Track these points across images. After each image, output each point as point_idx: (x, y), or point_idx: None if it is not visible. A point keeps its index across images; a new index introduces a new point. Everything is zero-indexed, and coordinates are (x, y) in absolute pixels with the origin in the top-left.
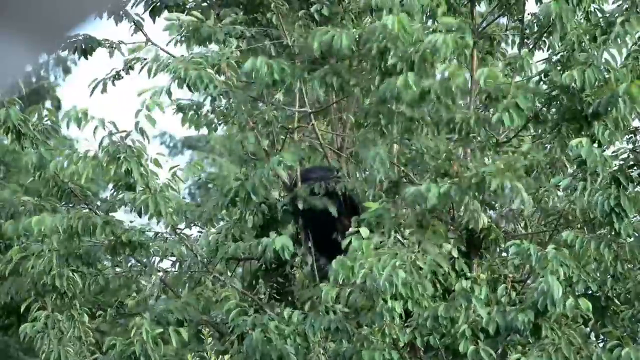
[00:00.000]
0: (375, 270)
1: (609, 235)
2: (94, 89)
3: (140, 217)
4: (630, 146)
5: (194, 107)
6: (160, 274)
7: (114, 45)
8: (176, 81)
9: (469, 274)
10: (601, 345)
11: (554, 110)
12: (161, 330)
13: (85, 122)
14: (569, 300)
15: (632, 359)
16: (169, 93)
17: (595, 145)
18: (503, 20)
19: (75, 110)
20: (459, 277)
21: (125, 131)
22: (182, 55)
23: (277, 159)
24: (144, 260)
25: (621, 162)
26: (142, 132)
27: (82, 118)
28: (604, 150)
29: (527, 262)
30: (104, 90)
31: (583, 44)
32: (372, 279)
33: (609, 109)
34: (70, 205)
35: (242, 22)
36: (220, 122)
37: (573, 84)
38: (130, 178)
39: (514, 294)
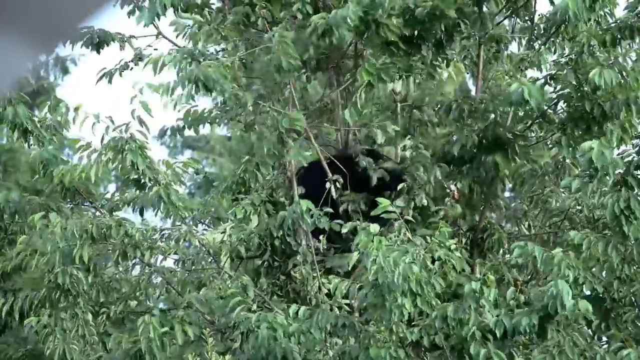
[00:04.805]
0: (386, 266)
1: (617, 238)
2: (101, 77)
3: (142, 215)
4: (637, 149)
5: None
6: (164, 275)
7: (125, 39)
8: (185, 83)
9: (478, 275)
10: (605, 347)
11: (560, 111)
12: (167, 329)
13: (76, 116)
14: (575, 303)
15: None
16: (171, 91)
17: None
18: (510, 22)
19: (66, 106)
20: (459, 275)
21: (124, 124)
22: (184, 47)
23: (285, 119)
24: (148, 260)
25: (627, 164)
26: (140, 121)
27: (75, 114)
28: (612, 153)
29: (532, 264)
30: (110, 81)
31: (593, 47)
32: (383, 275)
33: (622, 110)
34: (75, 203)
35: (253, 22)
36: (223, 119)
37: (585, 85)
38: (136, 172)
39: (522, 297)
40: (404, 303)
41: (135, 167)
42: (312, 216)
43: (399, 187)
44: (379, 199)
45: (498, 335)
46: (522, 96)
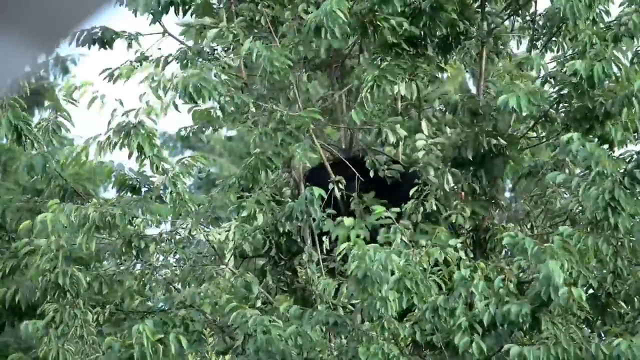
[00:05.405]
0: (368, 260)
1: (607, 231)
2: (106, 77)
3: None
4: (638, 148)
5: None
6: (167, 272)
7: (132, 37)
8: (179, 93)
9: (468, 263)
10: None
11: (562, 111)
12: (161, 336)
13: (84, 91)
14: (569, 289)
15: (631, 350)
16: (175, 106)
17: (606, 146)
18: (510, 21)
19: (73, 85)
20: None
21: (134, 109)
22: (183, 47)
23: (304, 113)
24: (149, 257)
25: (628, 164)
26: (148, 106)
27: (82, 90)
28: (613, 151)
29: (525, 257)
30: (116, 79)
31: (595, 45)
32: (364, 269)
33: (622, 108)
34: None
35: (257, 20)
36: (226, 121)
37: (583, 82)
38: (136, 179)
39: (511, 285)
40: (387, 295)
41: (143, 155)
42: (321, 204)
43: (411, 192)
44: (375, 206)
45: (485, 322)
46: (509, 106)
